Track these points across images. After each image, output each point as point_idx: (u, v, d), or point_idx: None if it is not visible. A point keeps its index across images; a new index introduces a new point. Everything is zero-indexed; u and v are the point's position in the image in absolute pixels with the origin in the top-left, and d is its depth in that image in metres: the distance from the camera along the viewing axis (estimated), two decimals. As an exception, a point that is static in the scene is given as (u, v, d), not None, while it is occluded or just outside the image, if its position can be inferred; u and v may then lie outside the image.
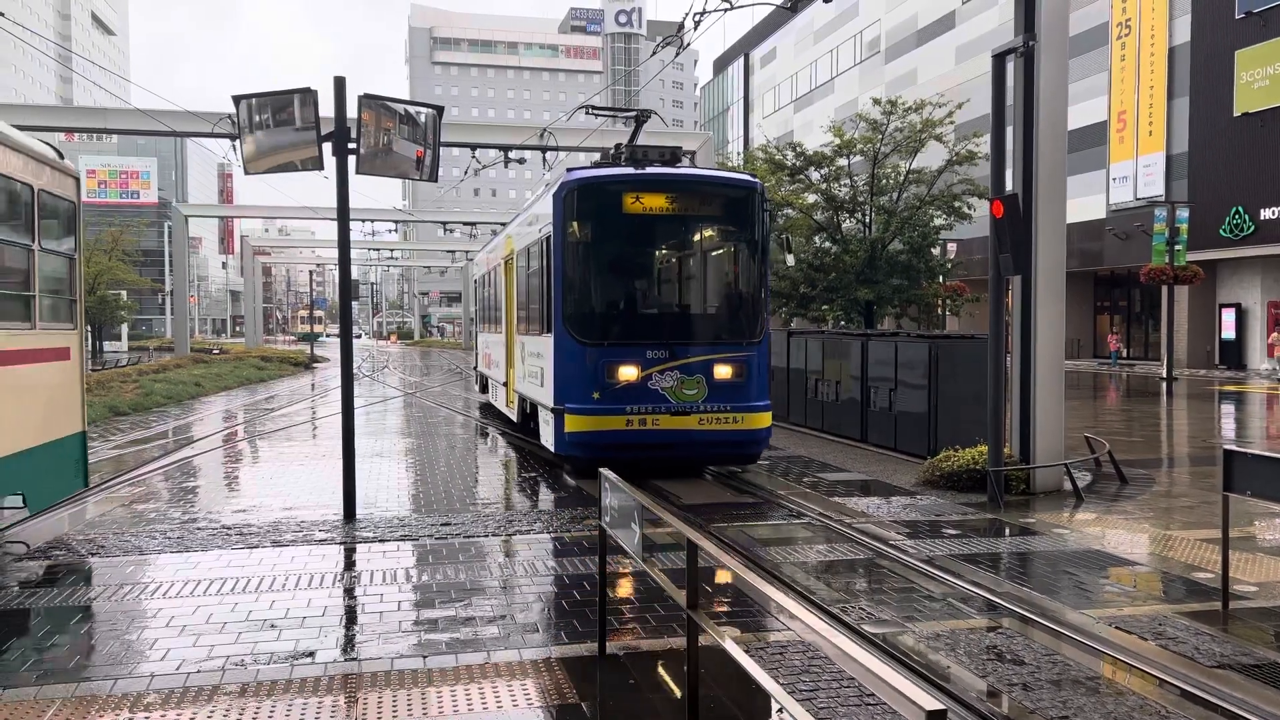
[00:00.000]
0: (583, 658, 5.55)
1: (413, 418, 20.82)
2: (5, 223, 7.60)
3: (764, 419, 11.46)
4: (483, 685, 5.12)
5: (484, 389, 22.45)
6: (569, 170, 11.63)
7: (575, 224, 11.32)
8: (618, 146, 12.49)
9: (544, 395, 12.06)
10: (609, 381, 10.92)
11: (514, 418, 15.76)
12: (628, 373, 10.99)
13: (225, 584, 7.16)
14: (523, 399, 14.37)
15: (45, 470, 8.26)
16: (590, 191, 11.42)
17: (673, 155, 12.24)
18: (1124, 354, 40.83)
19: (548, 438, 11.89)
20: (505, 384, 16.50)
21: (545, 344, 11.90)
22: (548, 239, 11.74)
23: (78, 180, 9.10)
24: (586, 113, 15.04)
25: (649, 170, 11.60)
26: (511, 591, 6.93)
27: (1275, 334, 32.36)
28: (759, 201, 11.74)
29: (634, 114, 13.89)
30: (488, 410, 21.10)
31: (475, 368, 25.56)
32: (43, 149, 8.29)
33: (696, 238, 12.30)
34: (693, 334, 11.68)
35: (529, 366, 13.37)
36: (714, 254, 12.52)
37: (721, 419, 11.14)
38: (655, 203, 11.51)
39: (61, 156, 8.76)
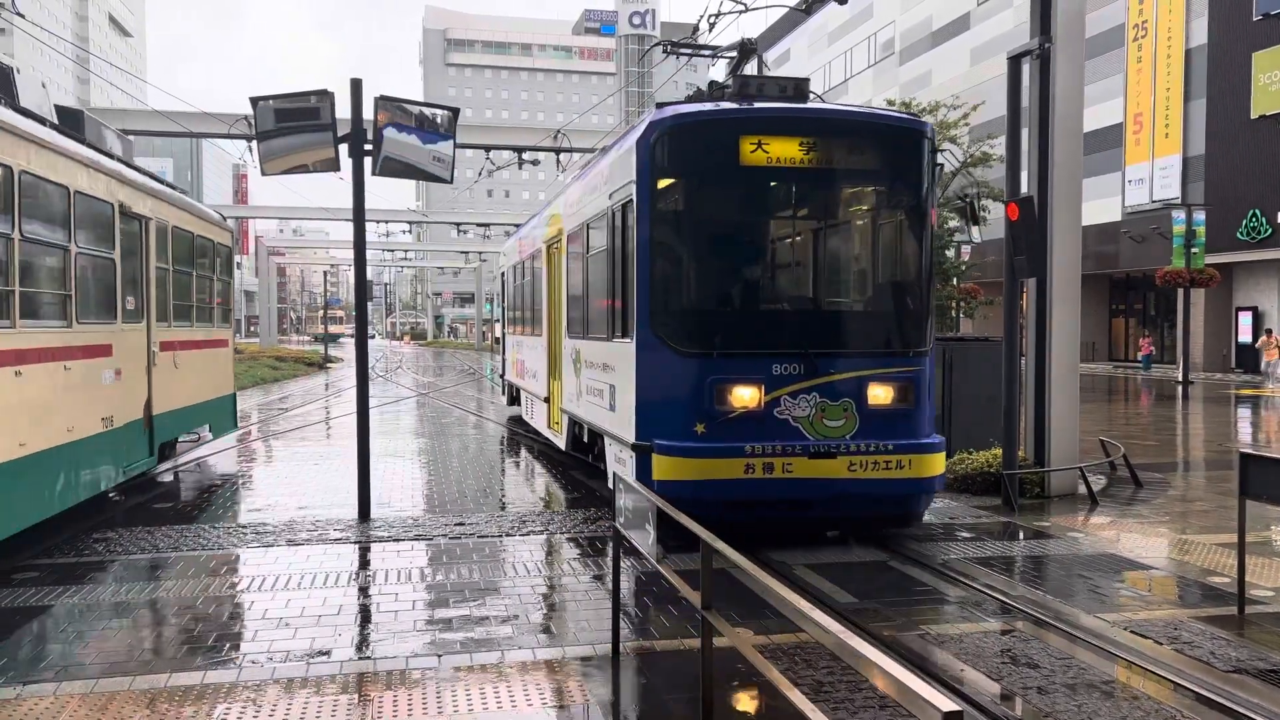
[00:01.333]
0: (596, 658, 5.57)
1: (426, 418, 20.90)
2: (209, 265, 13.56)
3: (937, 463, 8.31)
4: (497, 684, 5.14)
5: (514, 400, 18.81)
6: (659, 106, 8.59)
7: (671, 183, 8.32)
8: (712, 84, 9.65)
9: (615, 424, 8.96)
10: (719, 408, 7.83)
11: (561, 444, 12.29)
12: (747, 396, 7.89)
13: (241, 582, 7.21)
14: (575, 422, 11.15)
15: (220, 413, 14.13)
16: (693, 135, 8.30)
17: (797, 89, 8.89)
18: (1157, 358, 40.25)
19: (635, 488, 7.33)
20: (547, 400, 13.22)
21: (619, 353, 8.76)
22: (624, 207, 8.68)
23: (233, 234, 14.96)
24: (665, 52, 12.64)
25: (778, 105, 8.57)
26: (525, 591, 6.95)
27: (1265, 338, 32.01)
28: (930, 151, 8.62)
29: (737, 45, 11.43)
30: (518, 424, 18.08)
31: (502, 375, 20.75)
32: (218, 217, 14.39)
33: (843, 202, 9.10)
34: (838, 340, 8.36)
35: (589, 381, 10.14)
36: (867, 226, 9.17)
37: (880, 462, 7.99)
38: (786, 151, 8.22)
39: (225, 219, 14.78)
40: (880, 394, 8.15)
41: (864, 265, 9.23)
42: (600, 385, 9.60)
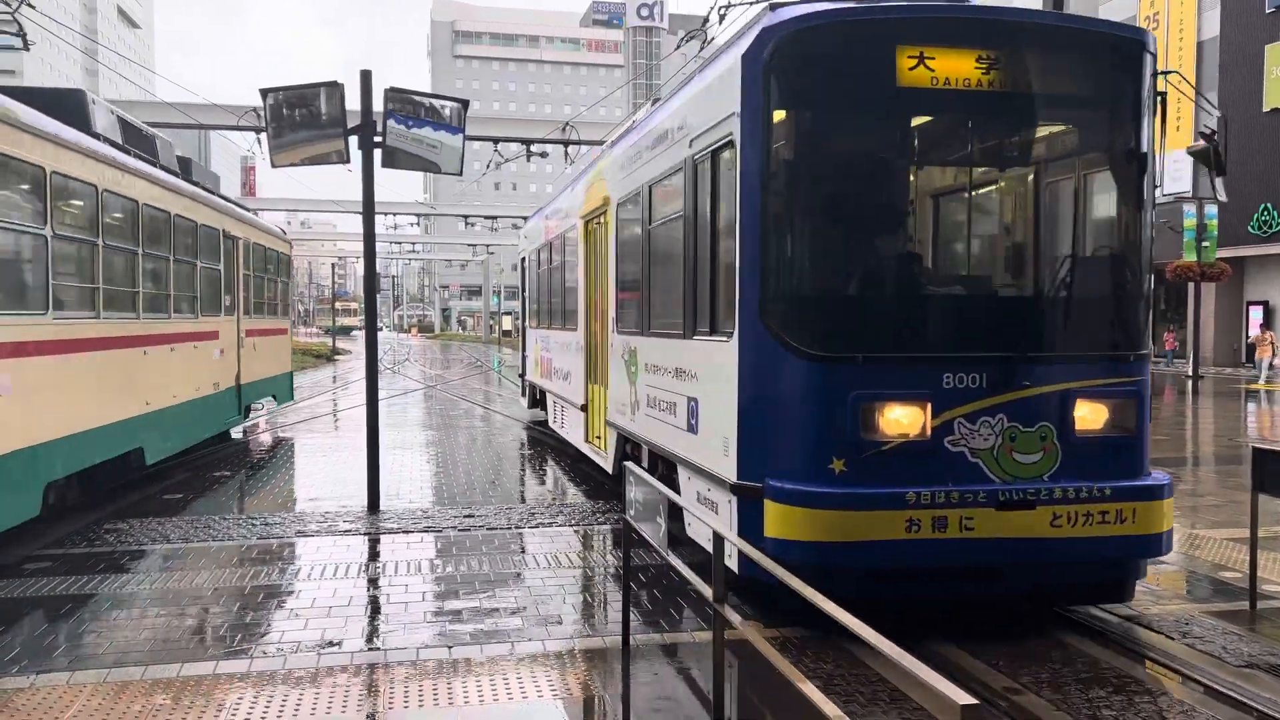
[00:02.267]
0: (606, 649, 5.57)
1: (434, 410, 20.93)
2: (275, 270, 17.35)
3: (1166, 513, 5.92)
4: (507, 676, 5.15)
5: (537, 403, 16.05)
6: (772, 8, 6.17)
7: (795, 114, 6.00)
8: None
9: (698, 451, 6.75)
10: (867, 437, 5.61)
11: (606, 464, 10.14)
12: (908, 419, 5.64)
13: (251, 573, 7.23)
14: (628, 440, 8.98)
15: (282, 386, 17.93)
16: (828, 45, 5.91)
17: None
18: (1181, 353, 39.91)
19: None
20: (584, 409, 11.08)
21: (707, 355, 6.58)
22: (715, 157, 6.44)
23: (290, 244, 19.06)
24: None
25: (947, 2, 6.25)
26: (535, 583, 6.96)
27: (1259, 334, 31.76)
28: (1152, 75, 6.21)
29: None
30: (541, 427, 15.72)
31: (522, 375, 18.00)
32: (280, 232, 18.40)
33: (1037, 143, 6.46)
34: (1035, 338, 5.95)
35: (653, 391, 7.94)
36: (1072, 177, 6.46)
37: (1094, 514, 5.69)
38: (960, 68, 5.79)
39: (284, 232, 18.87)
40: (1091, 415, 5.88)
41: (1068, 233, 6.51)
42: (672, 397, 7.38)
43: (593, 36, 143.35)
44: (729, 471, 6.04)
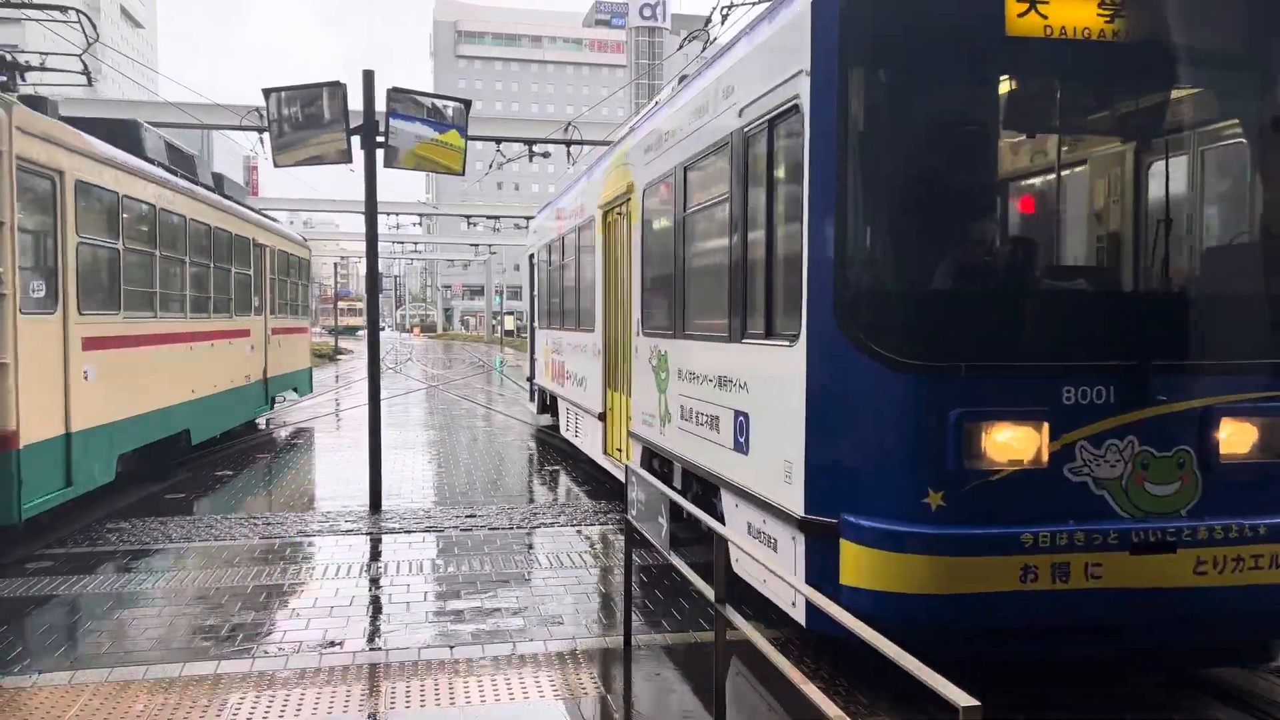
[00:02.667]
0: (608, 650, 5.57)
1: (436, 410, 20.95)
2: (296, 274, 18.85)
3: None
4: (509, 676, 5.15)
5: (547, 408, 15.20)
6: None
7: (877, 71, 4.97)
8: None
9: (753, 475, 5.74)
10: (971, 464, 4.63)
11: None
12: (1021, 442, 4.66)
13: (253, 573, 7.23)
14: (655, 455, 8.04)
15: (302, 379, 19.59)
16: None
17: None
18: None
19: (786, 583, 4.52)
20: (603, 417, 10.13)
21: (763, 363, 5.66)
22: (773, 126, 5.49)
23: (309, 250, 20.71)
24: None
25: None
26: (536, 583, 6.95)
27: None
28: None
29: None
30: (552, 435, 14.47)
31: (530, 378, 17.06)
32: (301, 240, 20.18)
33: (1173, 105, 5.30)
34: (1172, 342, 4.90)
35: (689, 401, 6.92)
36: (1214, 148, 5.48)
37: (1245, 559, 4.70)
38: (1080, 14, 4.80)
39: (304, 239, 20.71)
40: (1238, 436, 4.80)
41: (1217, 216, 5.61)
42: (713, 409, 6.36)
43: (595, 36, 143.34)
44: (793, 503, 5.01)
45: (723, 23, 12.80)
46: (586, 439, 11.31)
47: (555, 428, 14.37)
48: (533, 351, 16.72)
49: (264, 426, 17.25)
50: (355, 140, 9.57)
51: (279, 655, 5.45)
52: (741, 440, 5.88)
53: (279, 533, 8.56)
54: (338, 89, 9.49)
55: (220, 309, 13.32)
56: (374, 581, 7.08)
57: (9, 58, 10.40)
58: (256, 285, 15.42)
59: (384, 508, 9.55)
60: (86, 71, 11.73)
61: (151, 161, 11.04)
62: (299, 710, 4.69)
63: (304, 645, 5.62)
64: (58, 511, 8.52)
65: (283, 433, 16.76)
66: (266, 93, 9.60)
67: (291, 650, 5.54)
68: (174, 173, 11.77)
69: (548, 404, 14.89)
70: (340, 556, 7.74)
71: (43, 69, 11.36)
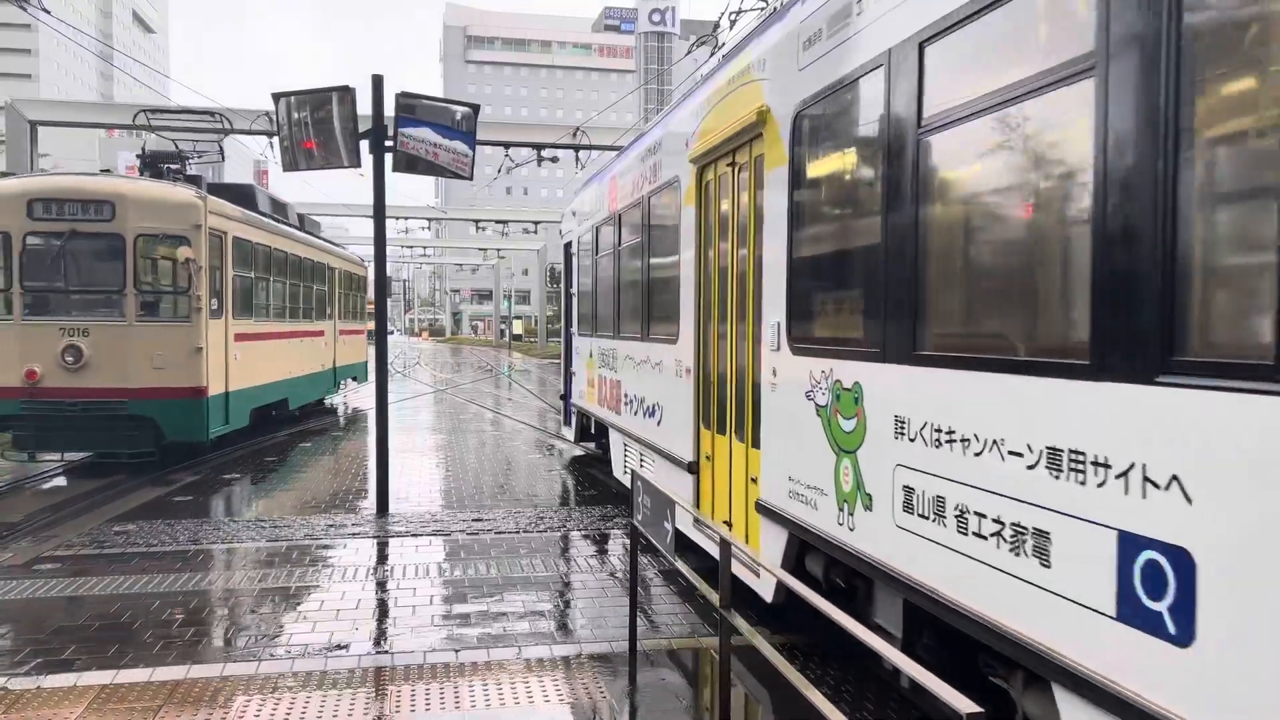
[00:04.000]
0: (614, 654, 5.56)
1: (444, 414, 20.97)
2: (355, 287, 24.73)
3: None
4: (514, 680, 5.14)
5: (590, 436, 12.48)
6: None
7: None
8: None
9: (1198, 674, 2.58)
10: None
11: (765, 591, 5.77)
12: None
13: (258, 575, 7.24)
14: (827, 555, 5.05)
15: (360, 371, 24.92)
16: None
17: None
18: None
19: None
20: (694, 469, 7.20)
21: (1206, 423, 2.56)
22: None
23: (366, 269, 25.53)
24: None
25: None
26: (543, 588, 6.95)
27: None
28: None
29: None
30: (588, 467, 12.33)
31: (564, 396, 14.09)
32: (360, 260, 25.38)
33: None
34: None
35: (939, 484, 3.85)
36: None
37: None
38: None
39: (363, 261, 25.57)
40: None
41: None
42: (1037, 518, 3.25)
43: (604, 42, 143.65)
44: None
45: (731, 27, 12.80)
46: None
47: (599, 458, 12.38)
48: (568, 364, 13.30)
49: (330, 403, 22.69)
50: (363, 145, 9.61)
51: (284, 658, 5.46)
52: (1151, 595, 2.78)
53: (285, 536, 8.57)
54: (347, 94, 9.52)
55: (305, 315, 18.42)
56: (380, 585, 7.08)
57: (177, 147, 15.71)
58: (329, 297, 20.62)
59: (391, 511, 9.56)
60: (221, 151, 17.38)
61: (262, 214, 15.81)
62: (304, 713, 4.69)
63: (309, 649, 5.62)
64: (68, 515, 8.53)
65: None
66: (276, 97, 9.63)
67: (297, 653, 5.54)
68: (276, 220, 16.69)
69: (592, 431, 12.20)
70: (347, 559, 7.75)
71: (195, 157, 16.15)
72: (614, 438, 10.32)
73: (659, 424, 8.17)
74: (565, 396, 13.89)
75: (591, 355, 11.34)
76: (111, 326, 12.02)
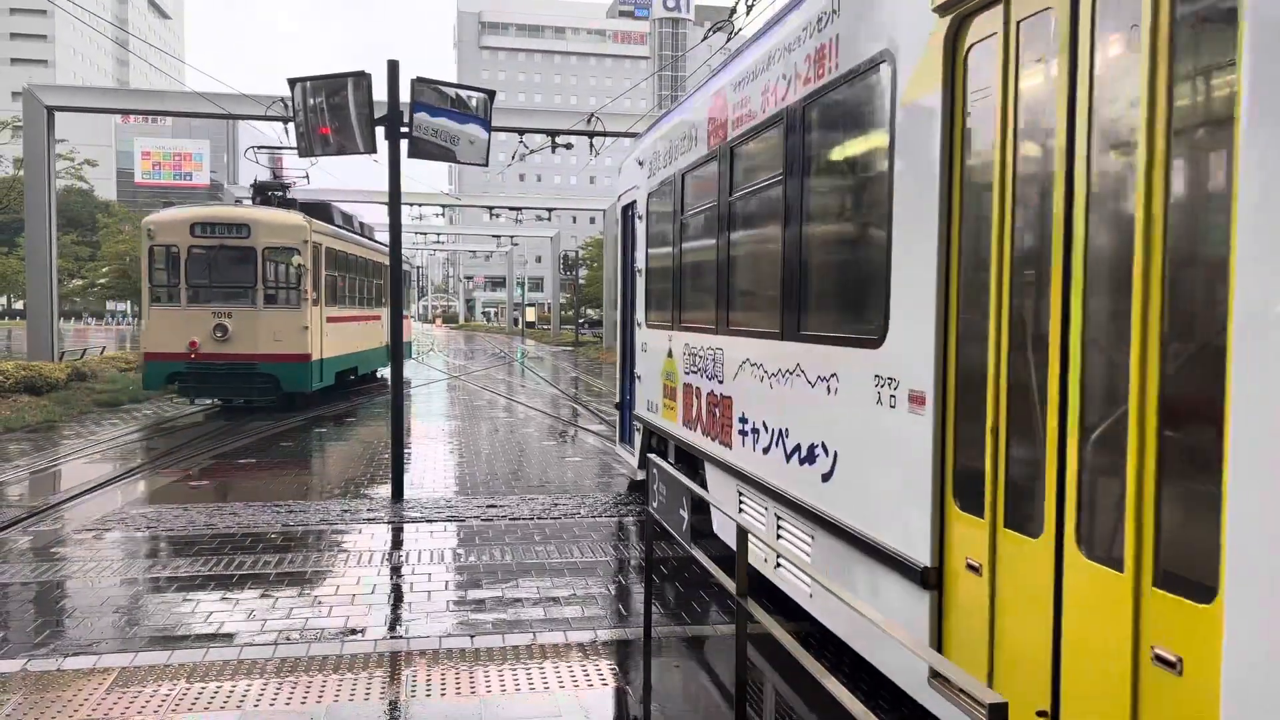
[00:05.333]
0: (628, 641, 5.57)
1: (457, 400, 21.04)
2: (405, 282, 32.59)
3: None
4: (529, 665, 5.15)
5: (651, 446, 9.02)
6: None
7: None
8: None
9: None
10: None
11: None
12: None
13: (275, 560, 7.28)
14: None
15: (408, 349, 30.29)
16: None
17: None
18: None
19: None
20: (936, 583, 3.95)
21: None
22: None
23: (414, 267, 58.31)
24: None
25: None
26: (557, 574, 6.96)
27: None
28: None
29: None
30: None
31: (619, 405, 10.77)
32: (407, 258, 37.78)
33: None
34: None
35: None
36: None
37: None
38: None
39: (409, 259, 44.64)
40: None
41: None
42: None
43: (619, 28, 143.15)
44: None
45: (748, 13, 12.71)
46: (840, 620, 4.82)
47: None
48: (629, 363, 10.07)
49: (381, 375, 26.39)
50: (379, 130, 9.60)
51: (300, 642, 5.49)
52: None
53: (301, 520, 8.61)
54: (362, 79, 9.51)
55: (367, 303, 23.04)
56: (395, 570, 7.11)
57: (279, 175, 21.92)
58: (383, 289, 24.47)
59: (406, 497, 9.60)
60: (308, 175, 23.95)
61: (337, 226, 20.78)
62: (320, 697, 4.71)
63: (325, 633, 5.65)
64: (89, 496, 8.60)
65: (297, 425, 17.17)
66: (292, 83, 9.63)
67: (313, 637, 5.57)
68: (348, 230, 21.91)
69: (653, 444, 9.01)
70: (362, 544, 7.79)
71: (292, 184, 22.04)
72: (714, 478, 6.92)
73: (828, 480, 4.90)
74: (622, 405, 10.59)
75: (672, 355, 8.10)
76: (247, 311, 17.04)
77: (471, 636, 5.61)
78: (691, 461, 7.60)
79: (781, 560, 5.51)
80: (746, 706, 4.19)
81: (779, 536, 5.60)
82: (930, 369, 3.92)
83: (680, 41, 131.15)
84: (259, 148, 23.02)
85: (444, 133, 9.71)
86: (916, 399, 4.04)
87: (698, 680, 5.10)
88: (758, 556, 5.64)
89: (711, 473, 6.98)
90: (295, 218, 17.82)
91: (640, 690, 4.94)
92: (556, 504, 9.48)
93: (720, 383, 6.70)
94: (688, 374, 7.57)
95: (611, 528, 8.50)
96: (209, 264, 17.13)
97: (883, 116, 4.37)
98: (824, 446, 4.96)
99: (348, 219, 22.66)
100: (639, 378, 9.45)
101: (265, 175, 22.66)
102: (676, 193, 7.97)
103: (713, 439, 6.87)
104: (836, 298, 5.19)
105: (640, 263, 9.43)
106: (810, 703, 4.74)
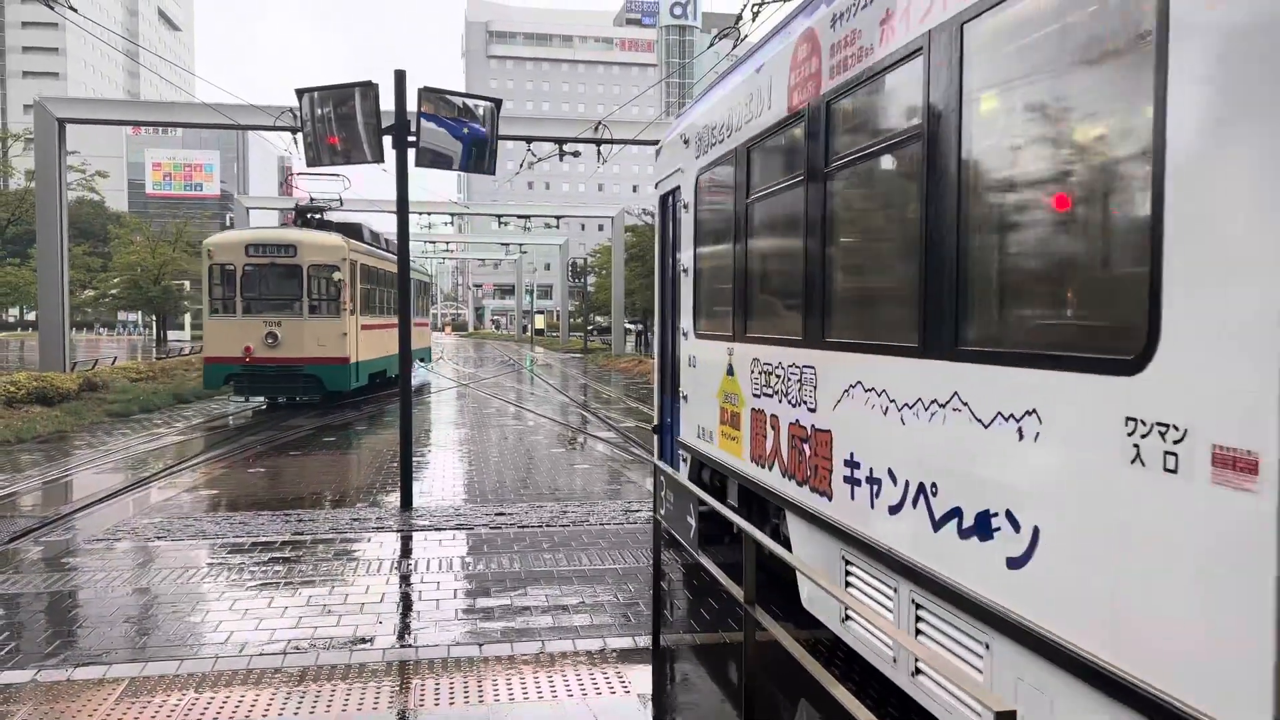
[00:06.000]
0: (637, 649, 5.55)
1: (467, 408, 21.07)
2: (423, 291, 35.86)
3: None
4: (538, 674, 5.14)
5: (700, 480, 7.55)
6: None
7: None
8: None
9: None
10: None
11: None
12: None
13: (284, 569, 7.29)
14: None
15: (427, 354, 35.11)
16: None
17: None
18: None
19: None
20: None
21: None
22: None
23: (432, 278, 54.78)
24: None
25: None
26: (565, 582, 6.95)
27: None
28: None
29: None
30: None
31: (657, 430, 9.11)
32: (426, 269, 44.75)
33: None
34: None
35: None
36: None
37: None
38: None
39: (427, 273, 44.41)
40: None
41: None
42: None
43: (626, 35, 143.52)
44: None
45: (754, 20, 12.72)
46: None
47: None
48: (673, 381, 8.37)
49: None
50: (386, 140, 9.63)
51: (310, 651, 5.49)
52: None
53: (310, 530, 8.62)
54: (370, 89, 9.55)
55: (391, 312, 23.44)
56: (404, 578, 7.11)
57: (312, 199, 24.23)
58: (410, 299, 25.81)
59: (414, 505, 9.61)
60: (341, 199, 25.17)
61: (367, 243, 23.00)
62: (329, 707, 4.71)
63: (334, 641, 5.65)
64: (99, 507, 8.61)
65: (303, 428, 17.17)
66: (300, 93, 9.68)
67: (322, 646, 5.57)
68: (376, 246, 23.93)
69: (702, 477, 7.60)
70: (371, 553, 7.79)
71: (336, 205, 24.88)
72: (800, 533, 5.42)
73: (1018, 566, 3.32)
74: (661, 430, 8.98)
75: (733, 373, 6.60)
76: (294, 320, 19.47)
77: (480, 645, 5.60)
78: (761, 505, 6.23)
79: (924, 668, 4.01)
80: (755, 715, 4.17)
81: (918, 633, 4.05)
82: (1274, 414, 2.33)
83: (687, 49, 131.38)
84: (301, 173, 25.19)
85: (451, 142, 9.75)
86: (1234, 463, 2.43)
87: (706, 687, 5.09)
88: (883, 654, 4.37)
89: (796, 526, 5.43)
90: (335, 239, 20.47)
91: (649, 698, 4.93)
92: (565, 511, 9.47)
93: (812, 411, 5.18)
94: (757, 397, 6.07)
95: (620, 536, 8.49)
96: (261, 279, 19.64)
97: (1128, 35, 2.88)
98: (1010, 517, 3.37)
99: (375, 236, 24.89)
100: (684, 398, 7.86)
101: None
102: (736, 174, 6.43)
103: (799, 483, 5.36)
104: (1030, 297, 3.64)
105: (686, 261, 7.77)
106: (821, 710, 4.72)
